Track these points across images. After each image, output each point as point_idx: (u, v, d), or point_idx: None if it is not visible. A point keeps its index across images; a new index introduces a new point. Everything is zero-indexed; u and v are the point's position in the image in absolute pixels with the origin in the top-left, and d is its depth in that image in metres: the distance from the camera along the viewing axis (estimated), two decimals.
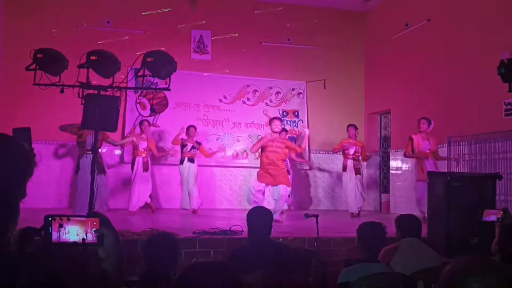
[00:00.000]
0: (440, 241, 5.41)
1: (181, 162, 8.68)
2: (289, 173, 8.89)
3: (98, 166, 7.20)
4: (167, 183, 9.60)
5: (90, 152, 7.14)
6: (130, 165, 8.59)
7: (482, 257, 1.36)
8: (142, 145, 8.40)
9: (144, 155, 8.38)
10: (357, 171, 8.60)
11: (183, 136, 8.70)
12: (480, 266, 1.27)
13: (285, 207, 9.02)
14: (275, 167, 7.34)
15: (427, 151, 7.65)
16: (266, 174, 7.36)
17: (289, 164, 8.91)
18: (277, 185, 7.38)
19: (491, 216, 3.67)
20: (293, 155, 9.03)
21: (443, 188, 5.60)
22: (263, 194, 7.47)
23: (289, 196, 10.06)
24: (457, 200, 5.50)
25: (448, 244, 5.37)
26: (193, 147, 8.72)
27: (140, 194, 8.30)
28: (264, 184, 7.40)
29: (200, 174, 9.03)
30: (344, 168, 8.65)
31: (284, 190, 7.41)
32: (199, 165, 8.85)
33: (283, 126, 8.28)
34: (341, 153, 8.88)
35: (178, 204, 9.02)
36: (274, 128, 7.46)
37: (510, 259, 2.34)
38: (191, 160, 8.67)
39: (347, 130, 8.74)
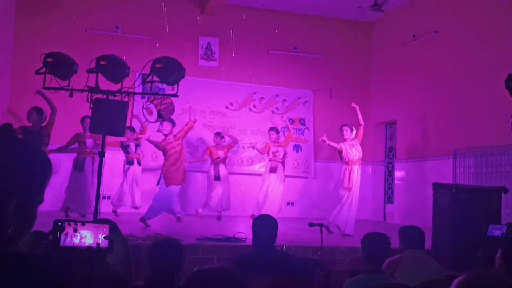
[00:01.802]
0: (445, 253, 5.39)
1: (130, 162, 8.51)
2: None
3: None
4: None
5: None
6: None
7: (493, 270, 1.37)
8: (90, 143, 8.06)
9: (92, 156, 8.03)
10: (284, 177, 8.35)
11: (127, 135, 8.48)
12: (490, 280, 1.28)
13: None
14: (177, 166, 7.38)
15: (356, 159, 7.32)
16: (173, 175, 7.34)
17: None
18: (176, 184, 7.39)
19: (495, 231, 3.67)
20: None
21: (449, 200, 5.59)
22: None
23: (292, 204, 10.03)
24: (462, 212, 5.48)
25: (454, 256, 5.35)
26: (137, 146, 8.54)
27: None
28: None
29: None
30: (274, 170, 8.22)
31: (175, 189, 7.40)
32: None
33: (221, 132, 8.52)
34: (270, 156, 8.39)
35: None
36: (163, 130, 7.45)
37: None
38: (139, 162, 8.58)
39: (278, 133, 8.44)
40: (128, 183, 8.50)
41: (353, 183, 7.21)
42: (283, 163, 8.39)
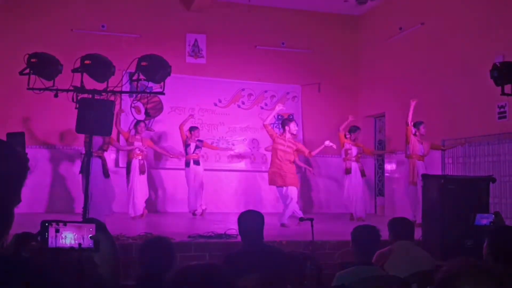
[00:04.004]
0: (435, 243, 5.44)
1: (187, 164, 8.59)
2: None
3: (103, 170, 7.25)
4: (169, 186, 9.59)
5: (96, 155, 7.10)
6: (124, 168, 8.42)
7: (475, 259, 1.38)
8: (137, 146, 8.20)
9: (140, 157, 8.18)
10: (363, 173, 8.45)
11: (187, 133, 8.64)
12: (472, 268, 1.29)
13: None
14: (285, 167, 7.37)
15: (421, 154, 7.70)
16: (276, 175, 7.38)
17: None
18: (286, 186, 7.36)
19: (483, 220, 3.71)
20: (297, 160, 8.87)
21: (437, 191, 5.63)
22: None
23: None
24: (451, 202, 5.53)
25: (443, 246, 5.40)
26: (196, 147, 8.64)
27: (140, 197, 8.12)
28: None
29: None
30: (349, 171, 8.36)
31: (292, 192, 7.37)
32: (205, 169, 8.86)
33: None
34: (343, 155, 8.54)
35: (179, 208, 9.02)
36: (293, 130, 7.53)
37: (503, 260, 2.36)
38: (197, 162, 8.62)
39: (355, 132, 8.43)
40: (190, 185, 8.51)
41: (418, 177, 7.40)
42: (357, 161, 8.39)
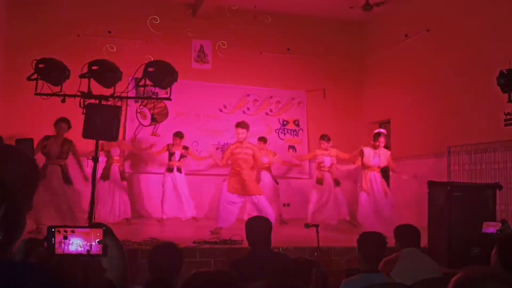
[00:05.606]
0: (441, 251, 5.41)
1: (170, 170, 8.42)
2: (277, 183, 8.88)
3: (64, 177, 6.82)
4: (152, 192, 9.45)
5: (54, 163, 6.82)
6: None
7: (490, 267, 1.38)
8: (115, 152, 8.04)
9: (119, 164, 8.05)
10: (336, 183, 8.33)
11: (169, 143, 8.49)
12: (488, 276, 1.29)
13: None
14: (245, 174, 6.96)
15: (376, 167, 7.56)
16: (236, 183, 6.94)
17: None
18: (249, 195, 6.95)
19: (490, 228, 3.68)
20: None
21: (444, 198, 5.61)
22: (236, 206, 7.05)
23: (288, 205, 9.92)
24: (458, 210, 5.50)
25: (449, 254, 5.37)
26: (181, 156, 8.47)
27: (121, 204, 7.95)
28: (235, 196, 6.96)
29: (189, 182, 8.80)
30: (320, 182, 8.24)
31: (262, 200, 6.94)
32: (185, 174, 8.72)
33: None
34: (316, 165, 8.50)
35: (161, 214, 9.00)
36: (239, 135, 7.09)
37: (510, 268, 2.34)
38: (179, 170, 8.47)
39: (324, 139, 8.34)
40: (168, 191, 8.33)
41: (370, 188, 7.40)
42: (330, 171, 8.29)
